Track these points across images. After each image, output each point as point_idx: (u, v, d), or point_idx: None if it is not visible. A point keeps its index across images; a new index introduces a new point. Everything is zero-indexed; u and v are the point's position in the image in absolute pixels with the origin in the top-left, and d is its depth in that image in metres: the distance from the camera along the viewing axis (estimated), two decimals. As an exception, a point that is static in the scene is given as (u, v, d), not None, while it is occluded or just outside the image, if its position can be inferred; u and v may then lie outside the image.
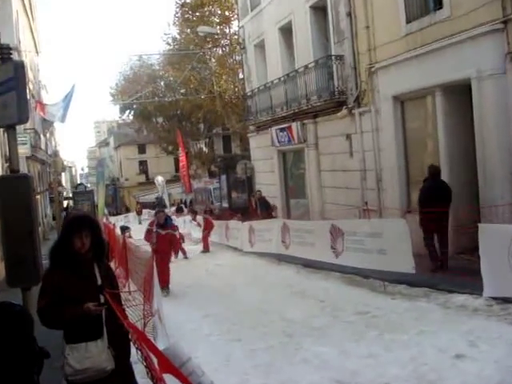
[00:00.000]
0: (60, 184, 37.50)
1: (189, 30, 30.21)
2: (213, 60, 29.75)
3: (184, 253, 15.61)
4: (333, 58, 14.04)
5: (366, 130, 12.92)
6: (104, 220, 26.63)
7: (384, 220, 11.05)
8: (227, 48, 28.70)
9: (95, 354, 3.23)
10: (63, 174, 49.15)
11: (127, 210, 45.77)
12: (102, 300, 3.33)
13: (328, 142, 15.00)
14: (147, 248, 10.30)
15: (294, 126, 16.28)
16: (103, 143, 76.53)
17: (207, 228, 17.37)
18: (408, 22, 11.00)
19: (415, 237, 8.85)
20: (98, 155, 77.62)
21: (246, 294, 9.52)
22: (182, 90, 34.08)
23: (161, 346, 3.25)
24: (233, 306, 8.66)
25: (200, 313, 8.34)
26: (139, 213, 36.81)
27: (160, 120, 39.87)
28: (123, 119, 47.58)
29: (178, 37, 32.15)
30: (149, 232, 10.90)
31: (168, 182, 41.83)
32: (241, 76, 25.46)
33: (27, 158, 21.69)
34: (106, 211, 37.86)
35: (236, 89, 28.17)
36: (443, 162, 10.36)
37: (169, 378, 2.50)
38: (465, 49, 9.42)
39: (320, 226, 11.39)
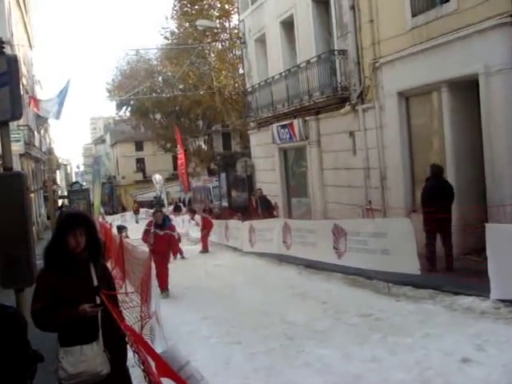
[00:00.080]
0: (55, 182, 37.58)
1: (187, 24, 30.19)
2: (212, 55, 29.73)
3: (181, 253, 15.61)
4: (336, 52, 14.02)
5: (370, 126, 12.90)
6: (100, 219, 26.60)
7: (388, 219, 11.02)
8: (227, 42, 28.71)
9: (90, 358, 3.20)
10: (58, 171, 49.12)
11: (124, 209, 45.81)
12: (98, 301, 3.31)
13: (330, 140, 14.98)
14: (145, 248, 10.31)
15: (296, 122, 16.26)
16: (99, 140, 76.54)
17: (206, 227, 17.36)
18: (413, 15, 10.98)
19: (420, 237, 8.85)
20: (94, 153, 77.55)
21: (246, 296, 9.51)
22: (181, 86, 34.05)
23: (158, 349, 3.24)
24: (232, 307, 8.65)
25: (199, 315, 8.33)
26: (136, 212, 36.87)
27: (158, 116, 39.88)
28: (120, 116, 47.63)
29: (176, 31, 32.15)
30: (146, 232, 10.89)
31: (166, 180, 41.87)
32: (241, 71, 25.46)
33: (21, 155, 21.70)
34: (102, 210, 37.86)
35: (236, 84, 28.18)
36: (449, 160, 10.35)
37: (167, 382, 2.49)
38: (472, 43, 9.40)
39: (322, 226, 11.37)
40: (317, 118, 15.55)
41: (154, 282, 7.15)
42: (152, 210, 17.72)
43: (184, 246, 16.48)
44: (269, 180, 19.22)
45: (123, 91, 36.65)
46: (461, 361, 5.18)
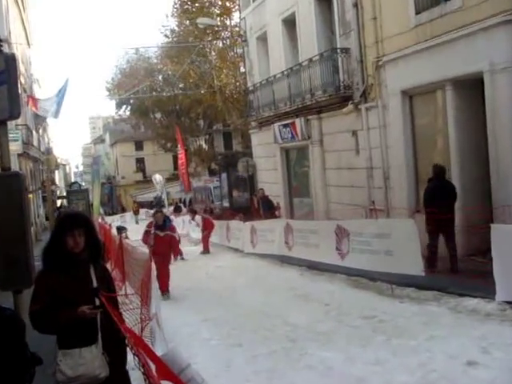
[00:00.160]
0: (53, 182, 37.63)
1: (188, 22, 30.21)
2: (213, 53, 29.76)
3: (181, 254, 15.60)
4: (338, 50, 14.03)
5: (373, 126, 12.89)
6: (100, 220, 26.65)
7: (392, 220, 11.03)
8: (228, 41, 28.71)
9: (89, 361, 3.20)
10: (57, 172, 49.28)
11: (123, 210, 45.86)
12: (98, 303, 3.30)
13: (333, 139, 14.97)
14: (145, 249, 10.30)
15: (298, 122, 16.26)
16: (98, 140, 76.63)
17: (206, 228, 17.36)
18: (417, 12, 10.97)
19: (424, 237, 8.84)
20: (93, 152, 77.75)
21: (247, 297, 9.51)
22: (181, 85, 34.10)
23: (159, 352, 3.24)
24: (233, 309, 8.65)
25: (199, 316, 8.33)
26: (136, 212, 36.90)
27: (158, 116, 39.92)
28: (119, 115, 47.70)
29: (176, 29, 32.19)
30: (147, 233, 10.86)
31: (166, 180, 41.87)
32: (242, 70, 25.47)
33: (19, 155, 21.73)
34: (101, 211, 37.97)
35: (237, 83, 28.17)
36: (454, 159, 10.34)
37: (167, 386, 2.48)
38: (477, 41, 9.39)
39: (325, 227, 11.37)
40: (319, 117, 15.54)
41: (155, 284, 7.16)
42: (152, 211, 17.72)
43: (185, 247, 16.52)
44: (270, 180, 19.22)
45: (123, 90, 36.68)
46: (466, 364, 5.17)
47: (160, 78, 37.60)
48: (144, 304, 5.54)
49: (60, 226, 3.46)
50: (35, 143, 28.95)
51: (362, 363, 5.57)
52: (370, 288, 9.10)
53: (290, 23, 17.08)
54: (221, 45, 29.73)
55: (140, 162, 56.08)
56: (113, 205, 55.69)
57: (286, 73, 16.50)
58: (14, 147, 19.52)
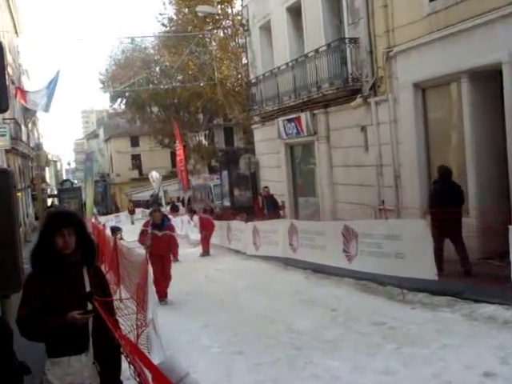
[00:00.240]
0: (43, 180, 37.73)
1: (187, 10, 30.19)
2: (213, 43, 29.72)
3: (176, 255, 15.60)
4: (346, 41, 13.99)
5: (383, 121, 12.87)
6: (93, 220, 26.70)
7: (402, 221, 11.00)
8: (229, 30, 28.66)
9: (77, 370, 3.18)
10: (47, 169, 49.39)
11: (117, 209, 45.94)
12: (90, 308, 3.27)
13: (340, 135, 14.96)
14: (141, 251, 10.29)
15: (303, 116, 16.25)
16: (92, 135, 76.79)
17: (204, 228, 17.34)
18: None
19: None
20: (86, 148, 77.94)
21: (249, 302, 9.51)
22: (180, 77, 34.14)
23: (156, 360, 3.23)
24: (235, 314, 8.66)
25: (199, 322, 8.33)
26: (132, 212, 36.97)
27: (155, 110, 39.99)
28: (114, 108, 47.81)
29: (174, 17, 32.16)
30: (143, 233, 10.83)
31: (164, 178, 41.90)
32: (244, 61, 25.44)
33: (6, 151, 21.78)
34: (95, 210, 38.03)
35: (239, 75, 28.16)
36: (469, 157, 10.32)
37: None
38: (495, 29, 9.34)
39: (331, 227, 11.36)
40: (326, 111, 15.52)
41: (151, 288, 7.15)
42: (149, 210, 17.71)
43: (184, 248, 16.53)
44: (274, 178, 19.22)
45: (118, 82, 36.71)
46: (483, 375, 5.14)
47: (157, 69, 37.62)
48: (140, 309, 5.54)
49: (48, 224, 3.42)
50: (24, 138, 29.00)
51: (370, 373, 5.55)
52: (379, 293, 9.09)
53: (295, 11, 17.06)
54: (222, 34, 29.70)
55: (136, 158, 56.16)
56: (107, 204, 55.76)
57: (290, 64, 16.48)
58: (2, 143, 19.60)
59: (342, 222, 11.31)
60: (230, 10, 29.04)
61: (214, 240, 17.59)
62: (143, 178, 48.68)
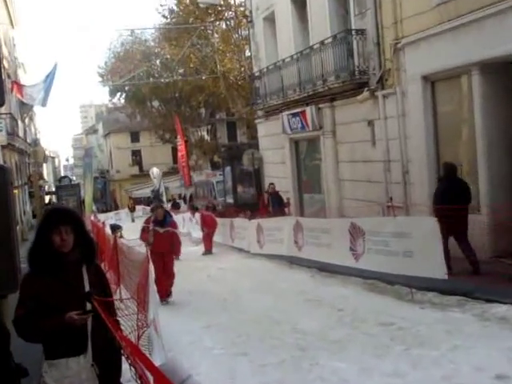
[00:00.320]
0: (41, 177, 37.77)
1: (188, 1, 30.20)
2: (216, 35, 29.70)
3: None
4: (353, 32, 13.96)
5: (391, 115, 12.85)
6: (92, 218, 26.76)
7: (411, 218, 11.01)
8: (232, 22, 28.62)
9: (75, 373, 3.18)
10: (45, 165, 49.45)
11: (117, 207, 46.02)
12: (89, 308, 3.27)
13: (347, 129, 14.94)
14: (142, 249, 10.28)
15: (309, 110, 16.23)
16: (91, 130, 76.94)
17: (206, 226, 17.34)
18: (440, -11, 10.90)
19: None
20: (85, 144, 78.04)
21: (253, 302, 9.51)
22: (181, 70, 34.09)
23: (157, 362, 3.23)
24: (238, 315, 8.66)
25: (201, 323, 8.34)
26: (132, 209, 37.03)
27: (155, 104, 39.97)
28: (114, 103, 47.86)
29: (175, 8, 32.15)
30: (144, 230, 10.81)
31: (165, 174, 41.99)
32: (247, 54, 25.42)
33: (3, 146, 21.84)
34: (94, 208, 38.11)
35: (242, 68, 28.12)
36: (480, 151, 10.28)
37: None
38: (507, 20, 9.28)
39: (337, 225, 11.35)
40: (332, 105, 15.50)
41: (153, 287, 7.16)
42: (150, 207, 17.73)
43: (186, 247, 16.54)
44: (278, 174, 19.21)
45: (117, 76, 36.73)
46: (494, 377, 5.12)
47: (158, 62, 37.60)
48: (141, 309, 5.53)
49: (45, 222, 3.42)
50: (21, 134, 29.03)
51: (378, 375, 5.54)
52: (387, 292, 9.08)
53: (299, 2, 17.03)
54: (224, 26, 29.69)
55: (136, 154, 56.19)
56: (106, 201, 55.91)
57: (295, 57, 16.45)
58: (-2, 138, 19.61)
59: (349, 219, 11.31)
60: (232, 1, 29.00)
61: (216, 238, 17.61)
62: (144, 175, 48.74)
